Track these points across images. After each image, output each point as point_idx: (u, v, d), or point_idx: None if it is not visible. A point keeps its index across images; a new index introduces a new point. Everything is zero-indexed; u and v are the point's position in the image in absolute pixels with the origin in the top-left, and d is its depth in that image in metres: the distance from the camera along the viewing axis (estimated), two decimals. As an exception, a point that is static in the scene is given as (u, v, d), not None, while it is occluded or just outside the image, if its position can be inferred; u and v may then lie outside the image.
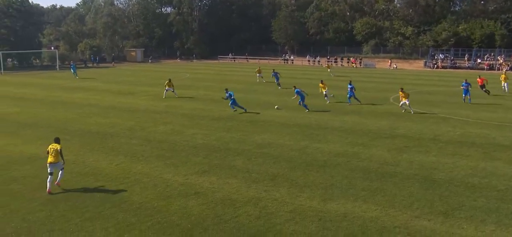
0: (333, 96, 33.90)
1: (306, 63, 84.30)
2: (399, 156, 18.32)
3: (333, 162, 17.44)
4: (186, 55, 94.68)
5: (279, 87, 41.75)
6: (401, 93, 29.19)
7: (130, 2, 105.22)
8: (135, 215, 12.46)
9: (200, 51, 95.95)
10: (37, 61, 77.33)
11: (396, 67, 76.00)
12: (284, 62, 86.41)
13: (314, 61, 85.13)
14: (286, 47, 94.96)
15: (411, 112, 28.23)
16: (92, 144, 20.47)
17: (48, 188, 14.21)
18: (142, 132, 22.95)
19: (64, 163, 14.77)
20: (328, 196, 13.82)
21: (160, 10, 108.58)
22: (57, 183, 14.58)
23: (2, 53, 64.16)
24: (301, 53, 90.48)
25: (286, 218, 12.26)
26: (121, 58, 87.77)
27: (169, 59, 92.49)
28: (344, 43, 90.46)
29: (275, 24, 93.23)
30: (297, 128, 23.88)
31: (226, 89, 30.26)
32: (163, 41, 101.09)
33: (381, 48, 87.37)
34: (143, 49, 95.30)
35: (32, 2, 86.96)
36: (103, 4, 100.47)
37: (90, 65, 78.13)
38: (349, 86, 32.33)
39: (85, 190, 14.48)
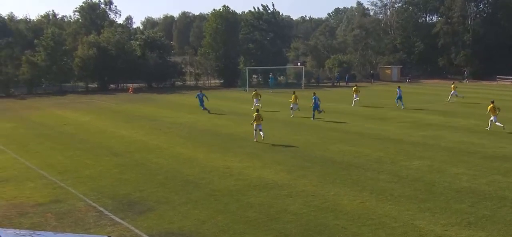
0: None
1: None
2: None
3: None
4: (453, 74, 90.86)
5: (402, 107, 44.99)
6: (491, 106, 32.14)
7: (388, 11, 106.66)
8: (377, 266, 12.38)
9: (472, 69, 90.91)
10: (282, 77, 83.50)
11: None
12: None
13: None
14: None
15: (487, 128, 31.70)
16: (333, 174, 21.27)
17: (255, 139, 28.52)
18: (392, 166, 22.84)
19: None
20: None
21: (423, 19, 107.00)
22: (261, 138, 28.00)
23: (248, 69, 71.90)
24: None
25: None
26: (374, 76, 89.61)
27: (431, 79, 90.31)
28: None
29: None
30: None
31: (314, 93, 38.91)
32: (425, 57, 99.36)
33: None
34: (400, 66, 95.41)
35: (282, 14, 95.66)
36: (356, 14, 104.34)
37: (338, 84, 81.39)
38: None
39: (324, 227, 15.07)
